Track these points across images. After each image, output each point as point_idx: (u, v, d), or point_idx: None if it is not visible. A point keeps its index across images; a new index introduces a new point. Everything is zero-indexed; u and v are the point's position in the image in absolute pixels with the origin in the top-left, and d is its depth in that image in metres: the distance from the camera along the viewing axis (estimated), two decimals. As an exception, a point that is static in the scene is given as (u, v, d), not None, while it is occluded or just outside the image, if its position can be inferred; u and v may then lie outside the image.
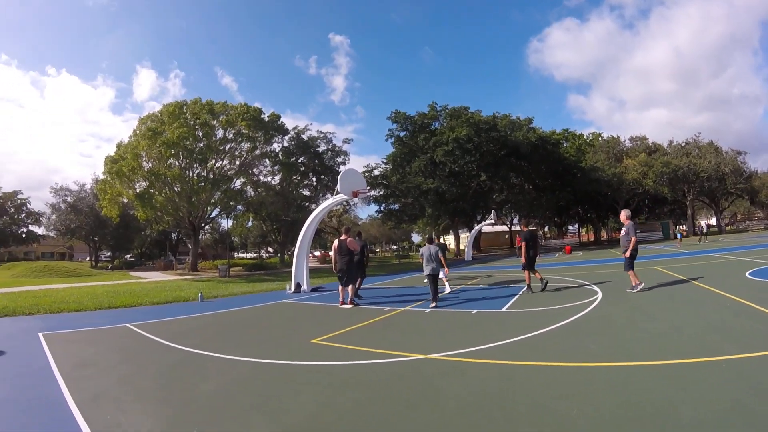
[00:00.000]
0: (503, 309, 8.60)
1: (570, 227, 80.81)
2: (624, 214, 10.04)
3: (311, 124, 51.47)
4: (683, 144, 54.48)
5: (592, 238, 71.76)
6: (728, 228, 40.89)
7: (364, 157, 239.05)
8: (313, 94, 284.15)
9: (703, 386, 3.72)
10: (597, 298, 8.97)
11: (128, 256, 66.28)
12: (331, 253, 11.18)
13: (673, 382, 3.90)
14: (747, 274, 10.82)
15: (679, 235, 34.51)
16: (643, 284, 9.48)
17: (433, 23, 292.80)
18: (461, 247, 48.40)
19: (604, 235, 73.13)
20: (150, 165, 31.36)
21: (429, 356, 5.31)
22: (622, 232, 10.00)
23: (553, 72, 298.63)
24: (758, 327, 5.59)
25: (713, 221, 53.99)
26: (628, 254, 9.47)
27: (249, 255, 79.12)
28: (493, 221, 39.77)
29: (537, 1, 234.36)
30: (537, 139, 47.28)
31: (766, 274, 10.66)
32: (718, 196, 56.94)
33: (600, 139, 59.81)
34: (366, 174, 45.76)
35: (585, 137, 61.77)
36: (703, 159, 50.04)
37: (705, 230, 38.58)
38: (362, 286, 12.08)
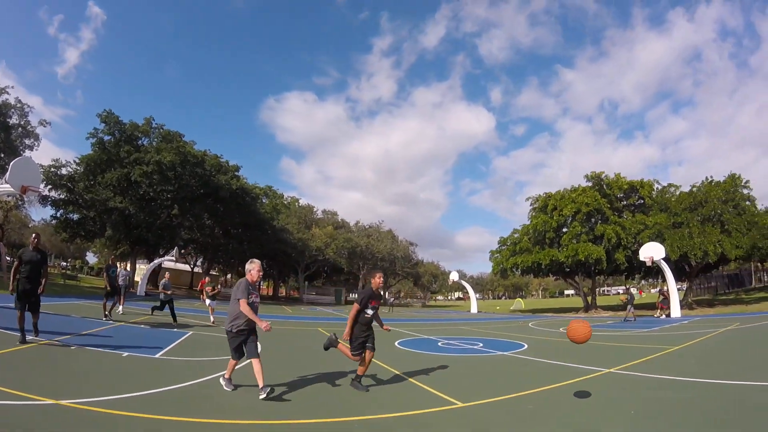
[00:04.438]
0: (157, 355, 7.70)
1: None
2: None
3: (12, 86, 37.76)
4: (367, 227, 65.20)
5: (270, 293, 74.61)
6: (394, 302, 52.30)
7: (61, 148, 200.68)
8: (38, 56, 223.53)
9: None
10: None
11: None
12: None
13: None
14: (396, 344, 11.79)
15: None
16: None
17: (184, 37, 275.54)
18: (136, 278, 43.13)
19: (282, 292, 77.12)
20: None
21: (60, 402, 4.44)
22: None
23: (277, 132, 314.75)
24: (392, 389, 6.27)
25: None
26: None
27: None
28: (173, 258, 37.32)
29: (291, 67, 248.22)
30: (238, 187, 47.51)
31: (411, 344, 11.88)
32: (388, 275, 68.63)
33: (297, 204, 64.83)
34: (51, 169, 37.21)
35: (284, 199, 65.79)
36: (381, 242, 61.77)
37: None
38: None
